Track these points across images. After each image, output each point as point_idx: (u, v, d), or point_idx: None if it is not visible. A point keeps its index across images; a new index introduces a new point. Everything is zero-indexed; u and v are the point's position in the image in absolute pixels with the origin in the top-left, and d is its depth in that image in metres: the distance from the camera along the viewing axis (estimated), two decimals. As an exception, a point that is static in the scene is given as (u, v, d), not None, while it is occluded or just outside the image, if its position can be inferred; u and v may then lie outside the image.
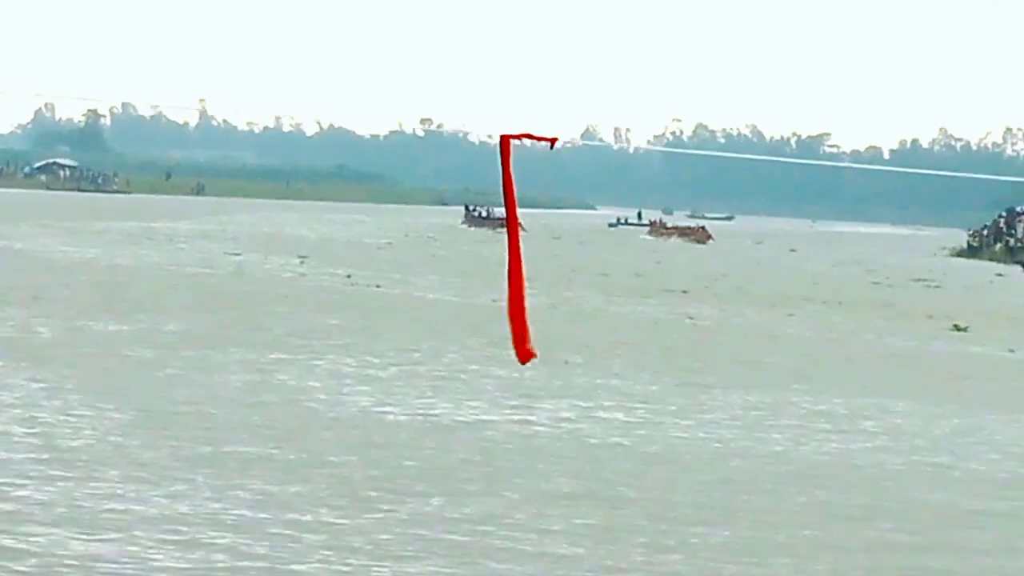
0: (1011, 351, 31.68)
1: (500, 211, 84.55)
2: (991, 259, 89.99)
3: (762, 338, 31.70)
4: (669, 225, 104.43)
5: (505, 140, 4.92)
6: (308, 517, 13.11)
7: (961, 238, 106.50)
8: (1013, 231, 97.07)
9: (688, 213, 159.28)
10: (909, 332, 34.75)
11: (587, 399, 20.92)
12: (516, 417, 19.12)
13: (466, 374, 22.90)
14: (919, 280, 60.75)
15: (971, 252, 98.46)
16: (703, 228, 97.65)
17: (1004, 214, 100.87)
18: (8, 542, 11.86)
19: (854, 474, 16.76)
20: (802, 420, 20.28)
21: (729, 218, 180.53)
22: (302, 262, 49.60)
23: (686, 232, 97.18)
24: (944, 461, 17.91)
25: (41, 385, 19.42)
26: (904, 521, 14.43)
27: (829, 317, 38.18)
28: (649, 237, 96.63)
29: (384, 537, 12.63)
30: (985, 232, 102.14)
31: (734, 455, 17.38)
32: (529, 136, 4.95)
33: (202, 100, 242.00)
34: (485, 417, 18.99)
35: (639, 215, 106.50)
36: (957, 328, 36.19)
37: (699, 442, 18.13)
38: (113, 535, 12.23)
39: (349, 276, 43.33)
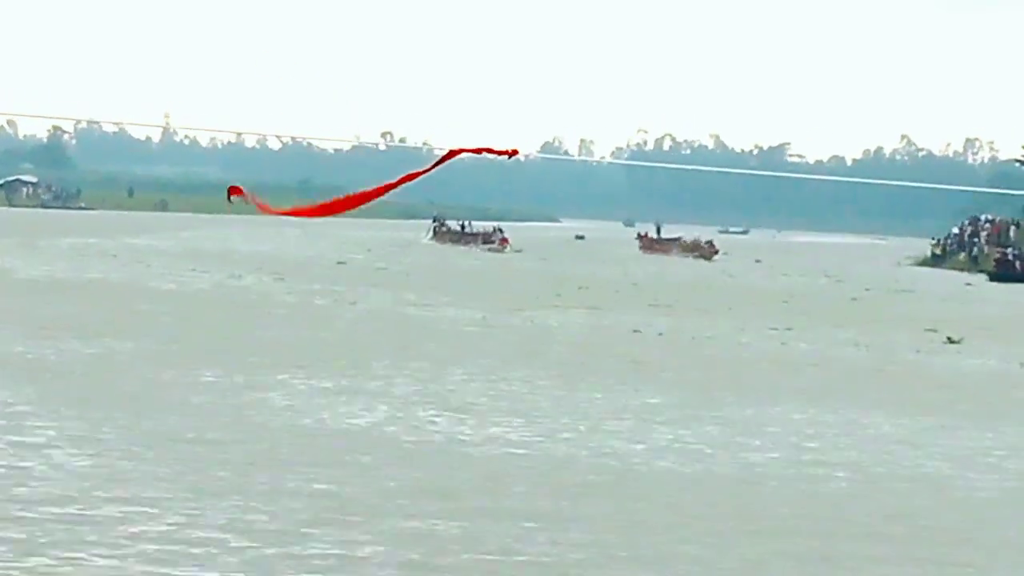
0: (1022, 365, 31.00)
1: (479, 224, 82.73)
2: (954, 268, 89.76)
3: (765, 356, 30.88)
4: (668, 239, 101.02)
5: (451, 154, 4.39)
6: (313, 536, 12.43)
7: (921, 247, 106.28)
8: (976, 240, 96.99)
9: (720, 229, 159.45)
10: (906, 346, 33.97)
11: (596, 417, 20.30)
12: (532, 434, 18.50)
13: (479, 393, 22.25)
14: (896, 291, 60.36)
15: (935, 261, 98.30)
16: (711, 243, 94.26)
17: (967, 223, 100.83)
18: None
19: (916, 495, 16.16)
20: (836, 440, 19.56)
21: (745, 232, 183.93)
22: (277, 279, 48.95)
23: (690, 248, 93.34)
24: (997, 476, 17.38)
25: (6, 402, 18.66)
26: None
27: (817, 331, 37.33)
28: (641, 252, 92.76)
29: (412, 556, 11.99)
30: (948, 241, 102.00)
31: (769, 473, 16.73)
32: (488, 150, 4.43)
33: (167, 115, 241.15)
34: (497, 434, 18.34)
35: (657, 229, 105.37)
36: (951, 341, 35.50)
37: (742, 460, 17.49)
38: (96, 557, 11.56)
39: (316, 291, 42.84)
